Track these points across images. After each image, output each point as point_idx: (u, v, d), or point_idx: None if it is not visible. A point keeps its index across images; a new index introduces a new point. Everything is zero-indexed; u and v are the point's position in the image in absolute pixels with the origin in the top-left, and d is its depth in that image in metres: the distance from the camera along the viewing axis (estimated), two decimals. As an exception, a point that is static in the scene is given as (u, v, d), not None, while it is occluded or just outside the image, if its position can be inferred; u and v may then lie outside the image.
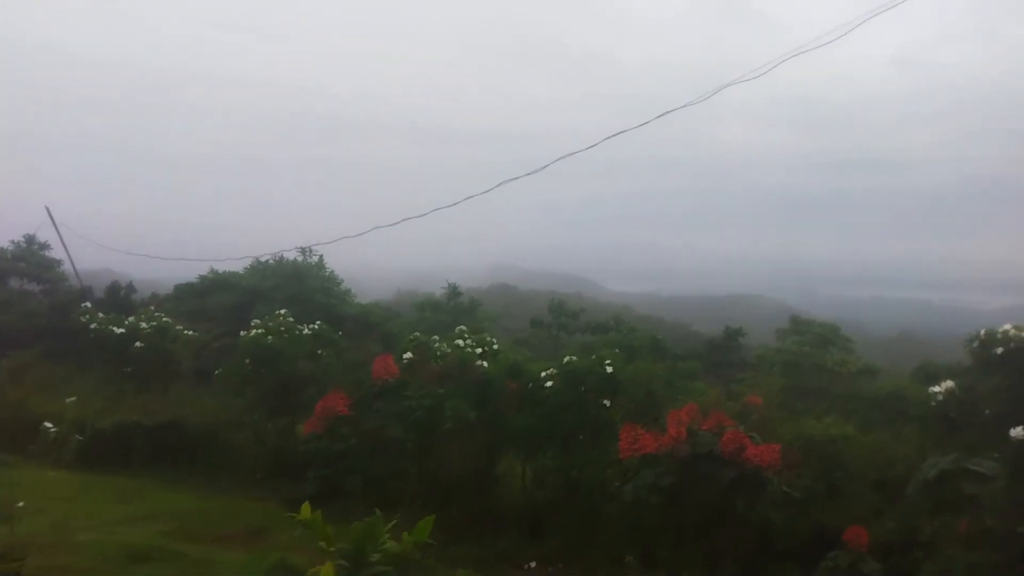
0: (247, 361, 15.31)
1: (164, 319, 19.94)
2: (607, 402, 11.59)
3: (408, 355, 13.27)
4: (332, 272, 27.26)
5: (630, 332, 29.53)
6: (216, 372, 16.38)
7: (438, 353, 13.53)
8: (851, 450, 11.25)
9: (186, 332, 19.92)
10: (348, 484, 10.98)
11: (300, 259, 26.26)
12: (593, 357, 12.17)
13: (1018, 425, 10.11)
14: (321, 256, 26.73)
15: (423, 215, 15.07)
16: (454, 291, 31.25)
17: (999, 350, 10.65)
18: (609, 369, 11.56)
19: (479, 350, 13.78)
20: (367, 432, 11.47)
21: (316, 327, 16.82)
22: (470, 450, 11.91)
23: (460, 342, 13.77)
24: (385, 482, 12.10)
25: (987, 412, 10.77)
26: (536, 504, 12.51)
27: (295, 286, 24.87)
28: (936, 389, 11.28)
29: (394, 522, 2.68)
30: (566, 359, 12.06)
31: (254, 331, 15.60)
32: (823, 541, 9.29)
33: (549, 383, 11.69)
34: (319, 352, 16.43)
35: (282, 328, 15.90)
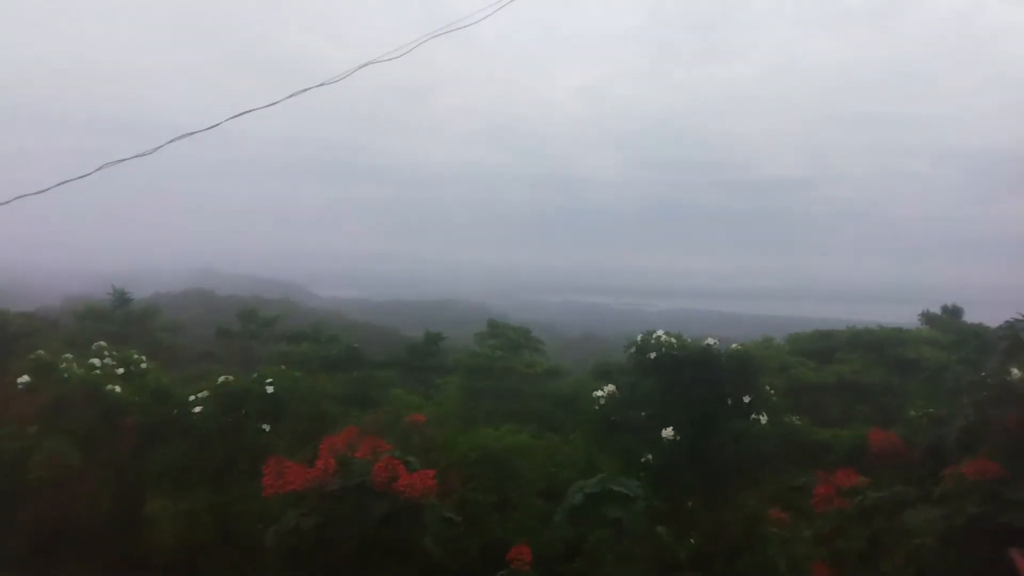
0: None
1: None
2: (267, 427, 10.23)
3: (24, 379, 10.77)
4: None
5: (329, 341, 28.09)
6: None
7: (65, 375, 11.15)
8: (524, 458, 11.14)
9: None
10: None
11: None
12: (255, 375, 10.74)
13: (668, 426, 10.79)
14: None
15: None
16: (121, 297, 27.00)
17: (652, 355, 11.26)
18: (270, 389, 10.23)
19: (120, 370, 11.64)
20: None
21: None
22: (94, 493, 9.82)
23: (96, 361, 11.52)
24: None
25: (643, 414, 11.34)
26: (190, 546, 10.80)
27: None
28: (599, 393, 11.64)
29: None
30: (221, 379, 10.49)
31: None
32: (495, 555, 8.99)
33: (198, 408, 10.05)
34: None
35: None
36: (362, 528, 6.93)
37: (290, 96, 6.32)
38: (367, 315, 73.26)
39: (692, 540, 9.49)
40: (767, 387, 10.93)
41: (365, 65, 6.15)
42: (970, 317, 22.37)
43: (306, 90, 6.29)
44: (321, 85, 6.37)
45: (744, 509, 9.66)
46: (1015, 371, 6.85)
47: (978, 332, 15.95)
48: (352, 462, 7.28)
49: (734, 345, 11.12)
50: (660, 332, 11.38)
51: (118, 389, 10.53)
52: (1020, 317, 6.23)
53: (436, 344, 31.48)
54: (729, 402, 10.51)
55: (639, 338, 11.42)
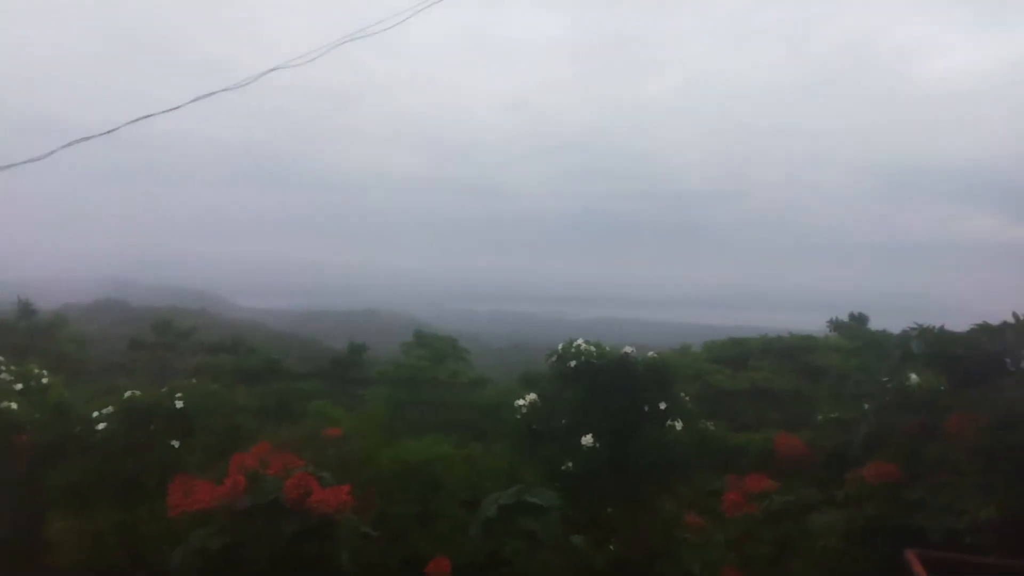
0: None
1: None
2: (176, 443, 9.84)
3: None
4: None
5: (248, 352, 27.35)
6: None
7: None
8: (447, 469, 11.07)
9: None
10: None
11: None
12: (164, 389, 10.33)
13: (588, 434, 10.90)
14: None
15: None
16: (26, 308, 25.63)
17: (573, 363, 11.37)
18: (180, 404, 9.85)
19: (19, 386, 11.02)
20: None
21: None
22: None
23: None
24: None
25: (564, 422, 11.42)
26: (95, 569, 10.32)
27: None
28: (520, 402, 11.66)
29: None
30: (128, 394, 10.04)
31: None
32: (416, 569, 8.93)
33: (102, 424, 9.59)
34: None
35: None
36: (273, 547, 6.73)
37: (195, 100, 6.12)
38: (289, 325, 71.75)
39: (612, 547, 9.60)
40: (682, 394, 11.15)
41: (274, 69, 6.01)
42: (876, 324, 23.45)
43: (213, 94, 6.09)
44: (226, 89, 6.19)
45: (661, 515, 9.83)
46: (913, 377, 7.21)
47: (878, 339, 16.72)
48: (263, 479, 7.06)
49: (651, 353, 11.32)
50: (580, 341, 11.48)
51: (14, 406, 9.94)
52: (915, 326, 6.55)
53: (360, 355, 31.08)
54: (646, 409, 10.67)
55: (560, 347, 11.50)
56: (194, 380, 12.21)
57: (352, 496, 7.12)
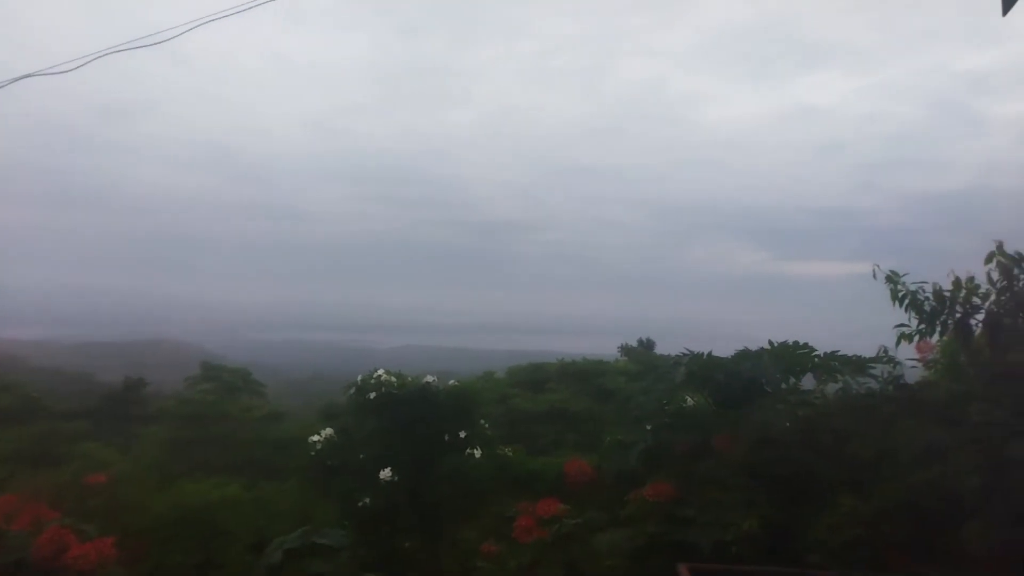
0: None
1: None
2: None
3: None
4: None
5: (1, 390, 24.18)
6: None
7: None
8: (233, 512, 10.34)
9: None
10: None
11: None
12: None
13: (387, 467, 10.67)
14: None
15: None
16: None
17: (373, 395, 11.11)
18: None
19: None
20: None
21: None
22: None
23: None
24: None
25: (362, 456, 11.10)
26: None
27: None
28: (316, 437, 11.20)
29: None
30: None
31: None
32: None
33: None
34: None
35: None
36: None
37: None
38: (55, 359, 64.44)
39: (410, 582, 9.42)
40: (482, 421, 11.27)
41: (29, 76, 5.35)
42: (663, 348, 25.36)
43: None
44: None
45: (460, 545, 9.81)
46: (688, 399, 7.79)
47: (658, 363, 17.99)
48: (6, 536, 6.15)
49: (452, 381, 11.35)
50: (381, 371, 11.27)
51: None
52: (687, 352, 7.10)
53: (139, 390, 28.62)
54: (447, 438, 10.66)
55: (360, 378, 11.21)
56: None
57: (119, 548, 6.41)
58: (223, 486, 10.73)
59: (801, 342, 6.83)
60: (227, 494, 10.44)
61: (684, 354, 7.12)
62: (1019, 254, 5.84)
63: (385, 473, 10.25)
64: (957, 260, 6.22)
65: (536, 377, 20.69)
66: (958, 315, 5.90)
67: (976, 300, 5.89)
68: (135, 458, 14.75)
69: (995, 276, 5.88)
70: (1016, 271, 5.82)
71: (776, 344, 6.87)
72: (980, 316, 5.90)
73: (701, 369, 6.91)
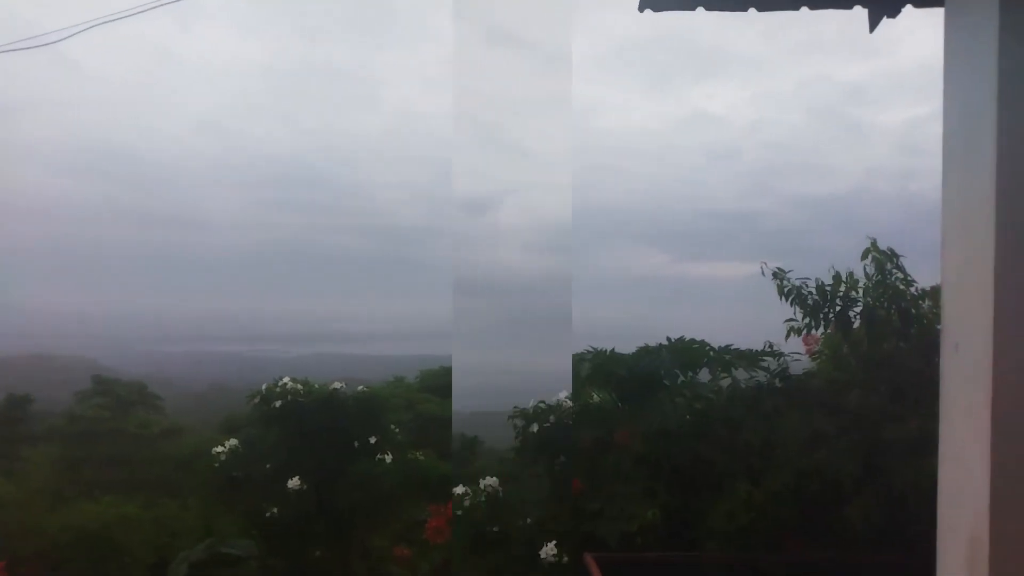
0: None
1: None
2: None
3: None
4: None
5: None
6: None
7: None
8: (130, 532, 9.93)
9: None
10: None
11: None
12: None
13: (295, 476, 10.50)
14: None
15: None
16: None
17: (278, 403, 10.90)
18: None
19: None
20: None
21: None
22: None
23: None
24: None
25: (268, 467, 10.87)
26: None
27: None
28: (219, 449, 10.89)
29: None
30: None
31: None
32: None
33: None
34: None
35: None
36: None
37: None
38: (-74, 378, 59.54)
39: (321, 592, 9.29)
40: (392, 426, 11.24)
41: None
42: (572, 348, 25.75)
43: None
44: None
45: (371, 551, 9.76)
46: (595, 395, 8.02)
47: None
48: None
49: (361, 387, 11.27)
50: (287, 379, 11.08)
51: None
52: (591, 349, 7.34)
53: (23, 408, 26.97)
54: (356, 444, 10.59)
55: (264, 387, 10.99)
56: None
57: (10, 574, 6.08)
58: (119, 505, 10.29)
59: (697, 339, 7.17)
60: (124, 513, 10.03)
61: (588, 351, 7.36)
62: (891, 250, 6.34)
63: (293, 482, 10.09)
64: (839, 258, 6.69)
65: (448, 381, 20.69)
66: (838, 308, 6.33)
67: (854, 294, 6.34)
68: (22, 480, 13.90)
69: (870, 271, 6.36)
70: (889, 266, 6.31)
71: (674, 340, 7.18)
72: (858, 309, 6.36)
73: (604, 365, 7.15)
